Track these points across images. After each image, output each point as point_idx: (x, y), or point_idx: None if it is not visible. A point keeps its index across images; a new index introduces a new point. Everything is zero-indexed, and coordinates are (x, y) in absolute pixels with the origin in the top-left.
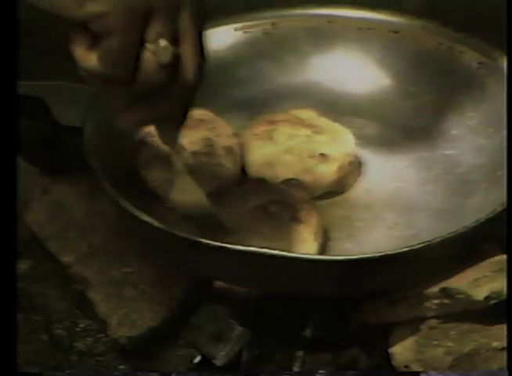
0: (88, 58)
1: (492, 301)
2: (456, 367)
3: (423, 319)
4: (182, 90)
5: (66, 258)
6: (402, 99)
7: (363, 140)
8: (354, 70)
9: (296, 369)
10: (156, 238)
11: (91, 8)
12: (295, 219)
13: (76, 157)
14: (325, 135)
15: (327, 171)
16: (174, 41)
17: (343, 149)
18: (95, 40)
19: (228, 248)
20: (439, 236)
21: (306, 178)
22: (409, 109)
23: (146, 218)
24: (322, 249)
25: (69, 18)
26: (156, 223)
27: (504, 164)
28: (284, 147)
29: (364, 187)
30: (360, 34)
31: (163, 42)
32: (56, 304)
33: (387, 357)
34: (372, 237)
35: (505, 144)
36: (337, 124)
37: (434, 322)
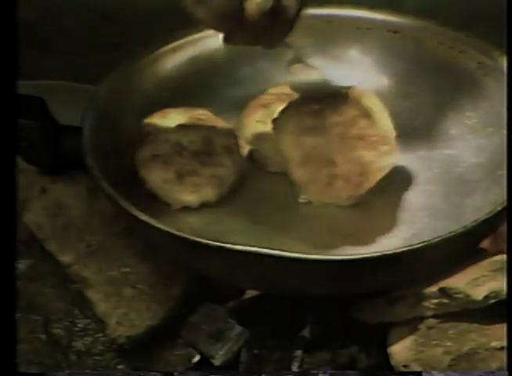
0: (197, 9)
1: (491, 301)
2: (455, 367)
3: (421, 318)
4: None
5: (65, 258)
6: (402, 98)
7: None
8: (353, 70)
9: (295, 368)
10: (154, 238)
11: None
12: None
13: (75, 157)
14: None
15: None
16: None
17: None
18: None
19: (226, 248)
20: (438, 236)
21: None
22: (409, 108)
23: (144, 217)
24: None
25: None
26: (154, 223)
27: (504, 164)
28: None
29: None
30: (359, 33)
31: None
32: (55, 303)
33: (386, 357)
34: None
35: (505, 144)
36: None
37: (432, 321)
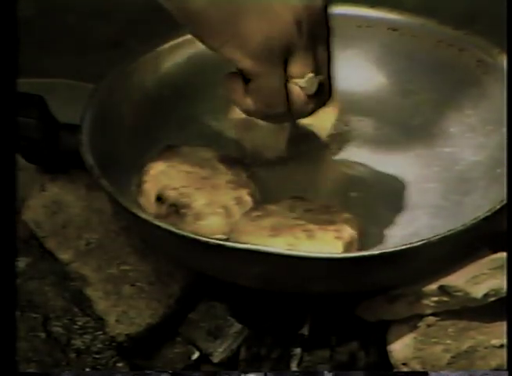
0: (244, 101)
1: (491, 299)
2: (455, 365)
3: (421, 316)
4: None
5: (64, 256)
6: (401, 96)
7: (362, 138)
8: (352, 68)
9: (294, 366)
10: (154, 235)
11: (229, 54)
12: None
13: (74, 155)
14: None
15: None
16: (316, 70)
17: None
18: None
19: (225, 246)
20: (438, 234)
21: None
22: (408, 107)
23: (143, 215)
24: None
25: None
26: (154, 221)
27: (504, 162)
28: None
29: (363, 186)
30: (359, 31)
31: (308, 75)
32: (54, 301)
33: (386, 355)
34: (371, 235)
35: (504, 142)
36: None
37: (432, 319)
